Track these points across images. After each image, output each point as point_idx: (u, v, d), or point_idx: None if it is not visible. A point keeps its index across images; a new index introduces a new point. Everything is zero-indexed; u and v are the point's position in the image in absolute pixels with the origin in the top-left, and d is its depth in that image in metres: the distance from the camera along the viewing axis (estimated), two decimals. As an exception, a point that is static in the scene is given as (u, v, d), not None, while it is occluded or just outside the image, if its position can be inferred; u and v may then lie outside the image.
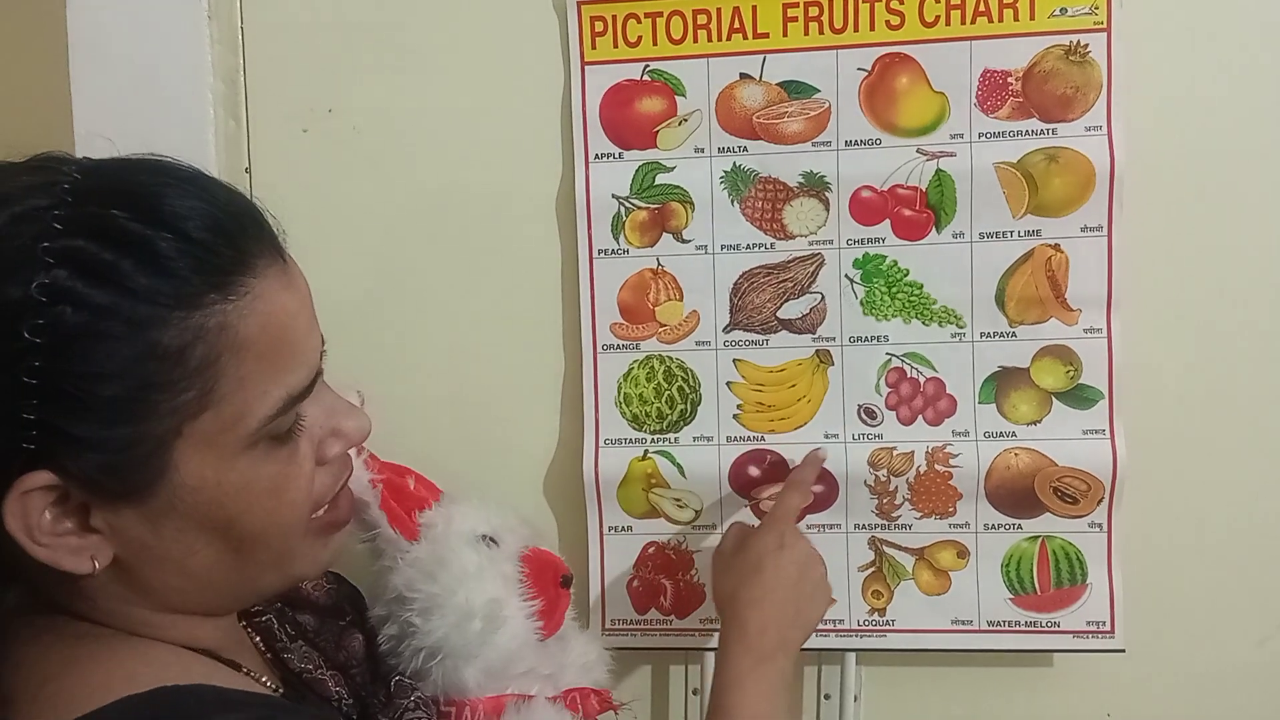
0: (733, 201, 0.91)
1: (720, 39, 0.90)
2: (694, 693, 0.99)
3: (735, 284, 0.92)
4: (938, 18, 0.87)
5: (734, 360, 0.93)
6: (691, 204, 0.92)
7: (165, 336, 0.51)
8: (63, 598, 0.56)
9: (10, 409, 0.49)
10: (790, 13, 0.88)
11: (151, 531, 0.54)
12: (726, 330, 0.93)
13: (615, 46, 0.91)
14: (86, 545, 0.53)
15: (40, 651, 0.55)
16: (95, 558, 0.53)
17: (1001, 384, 0.91)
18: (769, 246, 0.91)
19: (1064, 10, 0.87)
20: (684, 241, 0.92)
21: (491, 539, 0.81)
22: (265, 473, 0.56)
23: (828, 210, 0.91)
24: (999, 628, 0.92)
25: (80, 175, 0.53)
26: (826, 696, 0.98)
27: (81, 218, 0.51)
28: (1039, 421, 0.90)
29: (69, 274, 0.49)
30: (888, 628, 0.94)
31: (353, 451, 0.66)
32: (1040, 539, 0.91)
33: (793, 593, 0.78)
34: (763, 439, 0.93)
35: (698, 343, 0.93)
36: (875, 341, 0.92)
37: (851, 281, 0.91)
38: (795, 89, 0.90)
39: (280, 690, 0.64)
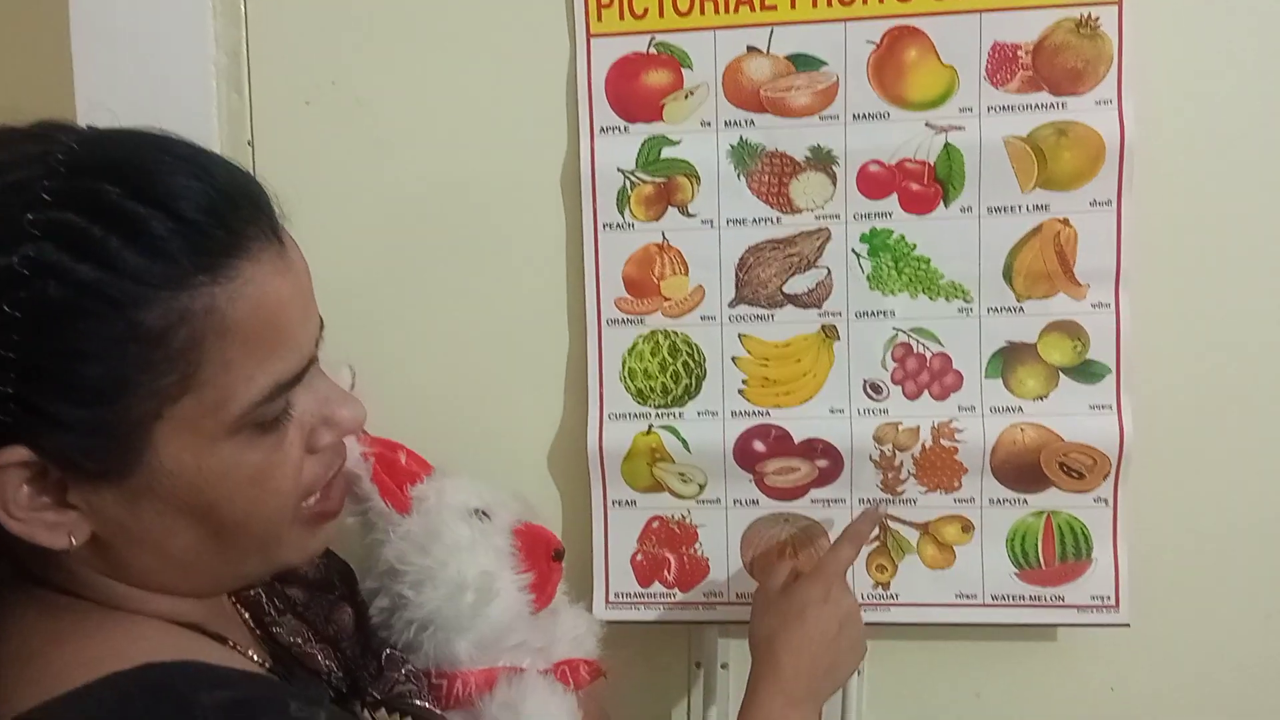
0: (739, 175, 0.91)
1: (727, 11, 0.89)
2: (696, 665, 1.00)
3: (741, 258, 0.92)
4: (947, -11, 0.87)
5: (739, 335, 0.93)
6: (697, 178, 0.91)
7: (148, 317, 0.50)
8: (45, 571, 0.56)
9: None
10: (798, -16, 0.88)
11: (129, 512, 0.54)
12: (732, 305, 0.92)
13: (621, 19, 0.90)
14: (64, 521, 0.52)
15: (26, 624, 0.55)
16: (72, 534, 0.53)
17: (1008, 359, 0.90)
18: (775, 221, 0.91)
19: (1075, -18, 0.86)
20: (690, 215, 0.92)
21: (484, 513, 0.81)
22: (248, 460, 0.55)
23: (835, 184, 0.90)
24: (1003, 602, 0.93)
25: (76, 146, 0.52)
26: (830, 670, 0.99)
27: (72, 191, 0.50)
28: (1046, 397, 0.90)
29: (55, 248, 0.48)
30: (892, 602, 0.94)
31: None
32: (1045, 514, 0.91)
33: (831, 646, 0.79)
34: (768, 414, 0.93)
35: (703, 317, 0.93)
36: (882, 316, 0.91)
37: (858, 256, 0.91)
38: (803, 62, 0.89)
39: (268, 665, 0.63)
